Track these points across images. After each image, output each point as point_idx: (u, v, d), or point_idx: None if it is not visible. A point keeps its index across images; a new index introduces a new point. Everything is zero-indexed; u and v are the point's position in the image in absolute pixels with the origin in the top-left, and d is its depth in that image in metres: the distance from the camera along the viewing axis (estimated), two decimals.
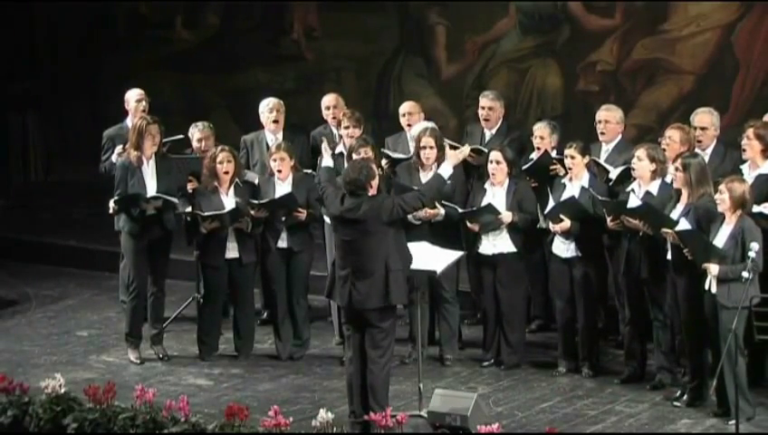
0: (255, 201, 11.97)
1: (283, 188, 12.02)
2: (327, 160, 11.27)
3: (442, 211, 11.67)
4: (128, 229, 12.14)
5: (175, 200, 11.98)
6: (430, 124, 12.36)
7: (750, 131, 11.05)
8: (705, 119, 11.56)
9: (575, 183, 11.48)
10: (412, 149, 12.18)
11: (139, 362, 12.24)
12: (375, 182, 10.38)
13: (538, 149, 12.08)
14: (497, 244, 11.64)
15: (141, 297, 12.24)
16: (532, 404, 11.03)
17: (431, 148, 11.74)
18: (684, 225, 10.38)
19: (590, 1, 14.77)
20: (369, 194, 10.32)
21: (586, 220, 11.32)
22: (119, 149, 12.69)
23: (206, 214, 11.87)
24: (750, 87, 14.10)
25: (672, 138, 11.28)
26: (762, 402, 10.68)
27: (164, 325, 12.58)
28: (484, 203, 11.58)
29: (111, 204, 12.13)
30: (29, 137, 18.08)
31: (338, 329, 12.49)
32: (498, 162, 11.60)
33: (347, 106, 12.94)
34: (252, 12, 16.66)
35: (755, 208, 10.46)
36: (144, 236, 12.11)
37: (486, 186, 11.71)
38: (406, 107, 12.80)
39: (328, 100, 13.09)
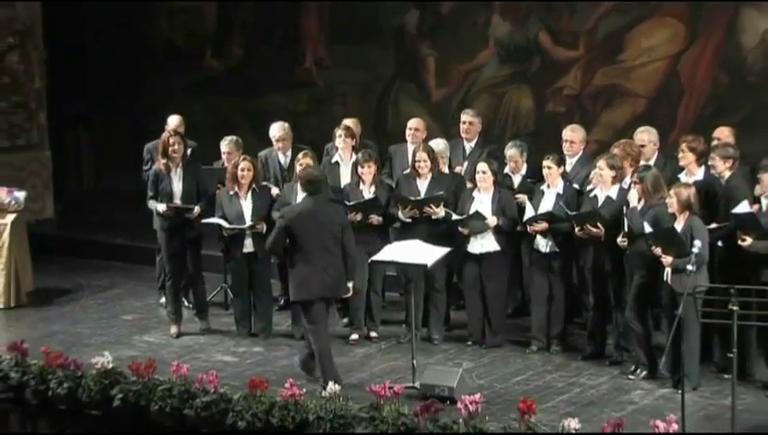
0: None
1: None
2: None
3: (442, 212, 11.66)
4: (164, 227, 12.28)
5: (189, 207, 12.11)
6: (440, 142, 12.28)
7: (684, 145, 11.09)
8: (643, 137, 11.64)
9: (552, 190, 11.45)
10: (410, 157, 12.22)
11: (176, 336, 12.27)
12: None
13: (511, 171, 12.04)
14: (484, 244, 11.60)
15: (177, 281, 12.38)
16: (509, 377, 11.00)
17: (424, 161, 11.78)
18: (648, 229, 10.40)
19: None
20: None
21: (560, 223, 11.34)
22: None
23: (227, 226, 11.92)
24: (693, 109, 14.08)
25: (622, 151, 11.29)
26: (705, 375, 10.67)
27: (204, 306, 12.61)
28: (472, 209, 11.55)
29: (160, 207, 12.19)
30: (81, 151, 18.11)
31: (342, 312, 12.51)
32: (484, 172, 11.57)
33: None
34: (271, 44, 16.66)
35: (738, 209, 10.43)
36: (177, 234, 12.21)
37: (474, 193, 11.67)
38: (414, 123, 12.74)
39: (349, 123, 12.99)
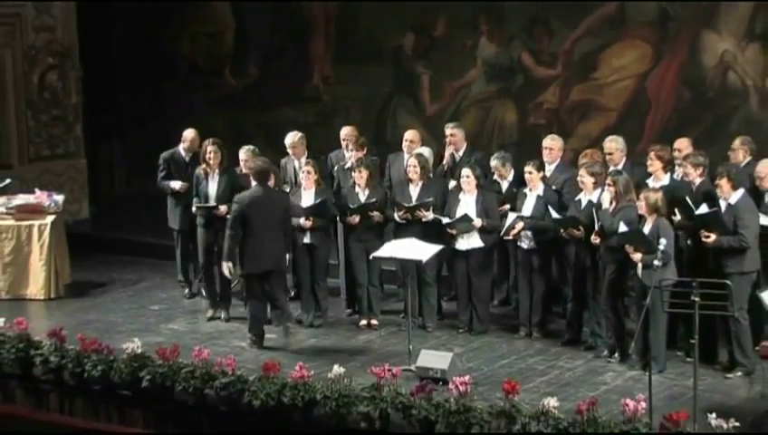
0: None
1: (306, 195, 12.00)
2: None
3: (431, 216, 11.68)
4: (200, 223, 12.39)
5: (214, 205, 12.20)
6: (425, 150, 12.39)
7: (652, 153, 11.14)
8: (611, 145, 11.67)
9: (533, 192, 11.47)
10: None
11: (209, 319, 12.34)
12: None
13: (499, 178, 12.02)
14: (470, 242, 11.62)
15: (210, 271, 12.43)
16: (495, 361, 11.01)
17: (414, 167, 11.83)
18: (622, 228, 10.41)
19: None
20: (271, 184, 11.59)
21: (540, 224, 11.36)
22: (176, 184, 12.99)
23: None
24: (659, 121, 14.10)
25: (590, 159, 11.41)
26: (670, 360, 10.67)
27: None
28: (459, 212, 11.57)
29: (193, 207, 12.47)
30: (113, 159, 18.10)
31: (347, 303, 12.51)
32: (468, 176, 11.62)
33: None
34: (283, 64, 16.66)
35: (700, 211, 10.46)
36: (210, 230, 12.32)
37: (460, 196, 11.68)
38: (409, 135, 12.74)
39: (346, 131, 13.02)
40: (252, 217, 11.21)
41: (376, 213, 11.86)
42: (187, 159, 13.10)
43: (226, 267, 11.39)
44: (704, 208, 10.43)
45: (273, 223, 11.26)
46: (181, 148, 13.17)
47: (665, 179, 11.04)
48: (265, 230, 11.22)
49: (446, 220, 11.59)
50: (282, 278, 11.57)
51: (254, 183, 11.57)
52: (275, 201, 11.43)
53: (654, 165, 11.07)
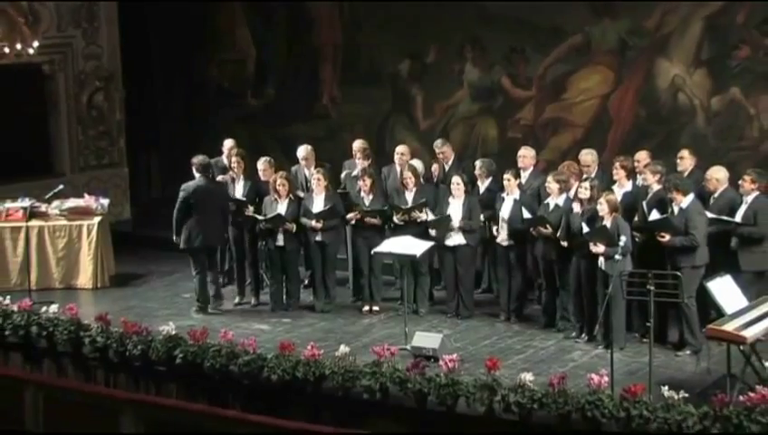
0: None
1: (317, 199, 11.98)
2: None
3: (424, 216, 11.69)
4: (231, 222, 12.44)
5: (243, 200, 12.29)
6: (417, 163, 12.41)
7: (617, 164, 11.22)
8: (587, 158, 11.71)
9: (510, 197, 11.48)
10: (398, 174, 12.31)
11: (236, 304, 12.38)
12: None
13: (479, 182, 12.01)
14: (455, 239, 11.62)
15: (241, 263, 12.56)
16: (479, 341, 11.02)
17: (410, 178, 11.89)
18: (585, 228, 10.44)
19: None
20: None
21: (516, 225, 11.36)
22: (224, 177, 12.95)
23: (260, 218, 11.96)
24: (620, 136, 14.05)
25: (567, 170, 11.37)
26: (629, 340, 10.67)
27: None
28: (447, 213, 11.59)
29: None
30: (151, 167, 18.06)
31: (352, 291, 12.49)
32: (458, 183, 11.64)
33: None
34: (296, 86, 16.64)
35: (652, 217, 10.47)
36: (239, 227, 12.41)
37: (450, 200, 11.70)
38: (400, 148, 12.76)
39: (358, 143, 12.98)
40: (195, 202, 11.65)
41: (373, 220, 11.85)
42: (228, 164, 13.10)
43: (177, 240, 11.98)
44: (655, 215, 10.48)
45: (213, 207, 11.69)
46: (224, 156, 13.24)
47: (628, 186, 11.08)
48: (206, 214, 11.66)
49: (423, 217, 11.57)
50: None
51: (197, 175, 11.88)
52: (215, 190, 11.91)
53: (619, 174, 11.13)
